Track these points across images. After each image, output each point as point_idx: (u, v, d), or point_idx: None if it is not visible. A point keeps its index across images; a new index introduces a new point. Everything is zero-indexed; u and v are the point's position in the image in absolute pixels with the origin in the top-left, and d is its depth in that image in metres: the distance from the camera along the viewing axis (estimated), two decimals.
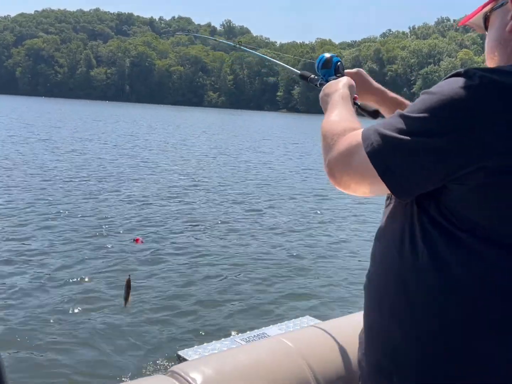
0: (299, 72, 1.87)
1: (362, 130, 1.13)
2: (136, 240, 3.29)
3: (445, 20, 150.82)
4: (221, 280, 6.34)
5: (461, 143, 0.95)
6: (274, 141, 31.10)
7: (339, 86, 1.43)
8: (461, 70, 1.00)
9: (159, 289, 5.87)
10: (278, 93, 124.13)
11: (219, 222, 9.38)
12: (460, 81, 0.98)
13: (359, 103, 1.53)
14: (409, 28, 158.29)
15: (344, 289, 6.22)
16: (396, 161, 1.02)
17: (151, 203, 10.51)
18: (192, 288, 6.00)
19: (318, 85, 1.67)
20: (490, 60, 1.19)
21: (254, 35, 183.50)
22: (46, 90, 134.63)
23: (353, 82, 1.48)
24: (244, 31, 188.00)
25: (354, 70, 1.63)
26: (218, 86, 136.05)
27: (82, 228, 8.14)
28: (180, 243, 7.79)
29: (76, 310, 5.17)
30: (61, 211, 9.20)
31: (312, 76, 1.74)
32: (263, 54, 2.30)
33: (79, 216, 8.94)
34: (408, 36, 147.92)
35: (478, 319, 1.00)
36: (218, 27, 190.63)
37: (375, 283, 1.18)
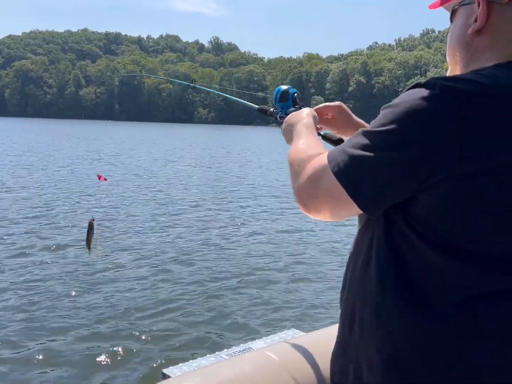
0: (257, 107, 1.88)
1: (327, 152, 1.13)
2: (99, 177, 3.18)
3: (430, 32, 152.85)
4: (205, 296, 6.25)
5: (427, 153, 0.96)
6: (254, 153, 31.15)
7: (303, 116, 1.44)
8: (422, 81, 1.01)
9: (142, 307, 5.78)
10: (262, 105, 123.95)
11: (200, 237, 9.28)
12: (422, 91, 0.98)
13: (322, 133, 1.52)
14: (395, 40, 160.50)
15: (330, 300, 6.17)
16: (363, 178, 1.02)
17: (129, 218, 10.43)
18: (175, 304, 5.91)
19: (278, 118, 1.67)
20: (451, 59, 1.20)
21: (242, 51, 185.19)
22: (35, 111, 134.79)
23: (315, 113, 1.49)
24: (232, 48, 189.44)
25: (337, 103, 1.63)
26: (208, 102, 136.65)
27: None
28: (162, 259, 7.69)
29: (57, 329, 5.08)
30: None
31: (272, 109, 1.75)
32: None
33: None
34: (394, 48, 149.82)
35: (443, 332, 1.00)
36: (206, 44, 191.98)
37: (346, 297, 1.18)
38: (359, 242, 1.17)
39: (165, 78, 2.71)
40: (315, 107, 1.64)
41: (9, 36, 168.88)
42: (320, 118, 1.61)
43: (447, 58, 1.22)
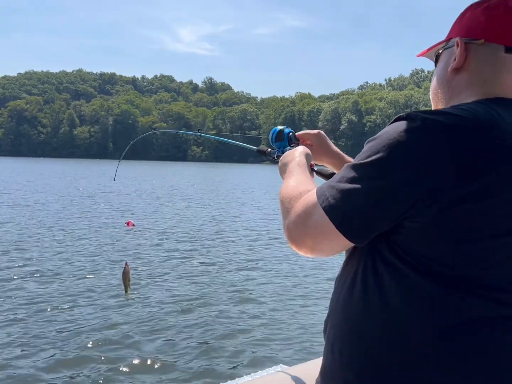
0: (256, 148, 1.92)
1: (315, 188, 1.15)
2: (128, 224, 3.21)
3: (420, 72, 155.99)
4: (192, 331, 6.15)
5: (410, 183, 0.98)
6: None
7: (296, 155, 1.47)
8: (404, 114, 1.05)
9: (122, 345, 5.64)
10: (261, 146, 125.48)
11: (184, 270, 9.26)
12: (404, 124, 1.02)
13: (316, 169, 1.55)
14: (386, 80, 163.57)
15: (319, 332, 6.04)
16: (352, 210, 1.04)
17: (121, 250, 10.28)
18: (158, 342, 5.78)
19: (275, 157, 1.72)
20: (434, 97, 1.26)
21: (236, 91, 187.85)
22: (29, 150, 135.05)
23: (309, 151, 1.52)
24: (226, 87, 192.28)
25: (315, 131, 1.70)
26: (202, 140, 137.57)
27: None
28: (152, 297, 7.57)
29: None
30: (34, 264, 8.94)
31: (269, 150, 1.80)
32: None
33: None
34: (385, 88, 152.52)
35: (424, 356, 1.01)
36: (200, 84, 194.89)
37: (330, 326, 1.18)
38: (345, 270, 1.17)
39: (176, 131, 2.78)
40: (297, 133, 1.72)
41: (4, 77, 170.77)
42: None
43: (430, 97, 1.28)
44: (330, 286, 1.15)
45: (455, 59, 1.18)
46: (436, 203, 0.98)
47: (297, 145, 1.64)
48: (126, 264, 2.46)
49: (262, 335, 6.18)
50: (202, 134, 2.37)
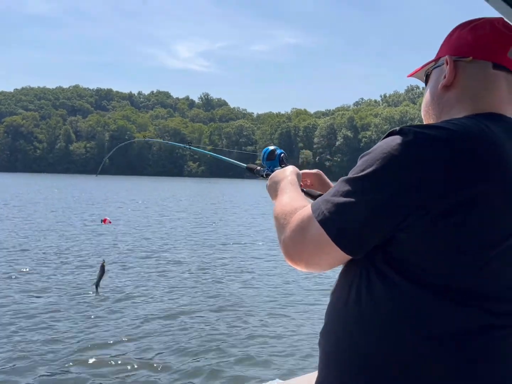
0: (245, 165, 1.94)
1: (311, 203, 1.17)
2: (104, 221, 3.19)
3: (415, 88, 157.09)
4: (187, 350, 6.13)
5: (404, 195, 1.00)
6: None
7: (287, 174, 1.50)
8: (396, 128, 1.08)
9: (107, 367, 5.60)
10: (257, 162, 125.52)
11: (172, 288, 9.23)
12: (397, 138, 1.04)
13: (305, 190, 1.57)
14: (381, 96, 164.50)
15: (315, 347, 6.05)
16: (347, 223, 1.05)
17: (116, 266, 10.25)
18: (157, 360, 5.76)
19: (264, 175, 1.75)
20: (425, 114, 1.30)
21: (232, 107, 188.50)
22: (25, 165, 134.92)
23: (299, 171, 1.55)
24: (222, 103, 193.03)
25: (314, 170, 1.72)
26: (198, 156, 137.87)
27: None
28: (140, 313, 7.56)
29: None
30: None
31: (259, 168, 1.83)
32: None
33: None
34: (380, 104, 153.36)
35: (423, 370, 1.01)
36: (196, 100, 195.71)
37: (325, 339, 1.18)
38: (340, 283, 1.18)
39: (164, 141, 2.76)
40: None
41: (1, 93, 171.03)
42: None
43: (422, 115, 1.32)
44: (326, 299, 1.17)
45: (445, 77, 1.21)
46: (428, 214, 0.99)
47: (287, 166, 1.66)
48: (103, 263, 2.49)
49: (257, 349, 6.18)
50: (192, 148, 2.36)
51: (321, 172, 1.73)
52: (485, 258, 1.02)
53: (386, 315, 1.04)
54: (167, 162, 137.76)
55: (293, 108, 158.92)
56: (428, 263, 1.02)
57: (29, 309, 7.55)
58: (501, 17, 1.25)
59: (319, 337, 1.22)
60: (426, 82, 1.33)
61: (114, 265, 10.93)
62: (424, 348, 1.01)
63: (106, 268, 2.48)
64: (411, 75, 1.40)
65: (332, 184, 1.70)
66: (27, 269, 10.47)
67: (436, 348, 1.01)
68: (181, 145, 2.43)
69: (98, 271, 2.48)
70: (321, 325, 1.19)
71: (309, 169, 1.74)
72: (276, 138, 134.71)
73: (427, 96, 1.29)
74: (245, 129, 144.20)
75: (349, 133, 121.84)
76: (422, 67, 1.33)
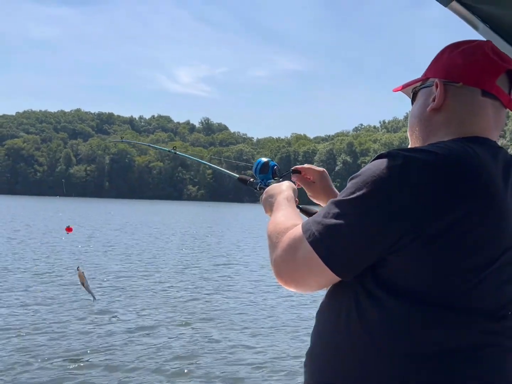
0: (237, 176, 1.90)
1: (301, 223, 1.16)
2: (68, 229, 3.11)
3: None
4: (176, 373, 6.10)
5: (394, 218, 1.01)
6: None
7: (283, 188, 1.47)
8: (385, 152, 1.08)
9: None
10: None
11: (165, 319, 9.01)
12: (385, 161, 1.05)
13: (301, 206, 1.56)
14: (380, 122, 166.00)
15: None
16: (337, 245, 1.05)
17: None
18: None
19: (258, 188, 1.72)
20: (412, 134, 1.30)
21: (232, 131, 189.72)
22: (25, 188, 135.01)
23: (295, 186, 1.54)
24: (222, 128, 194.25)
25: (320, 168, 1.70)
26: (198, 180, 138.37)
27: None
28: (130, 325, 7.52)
29: None
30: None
31: (252, 180, 1.79)
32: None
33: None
34: (379, 130, 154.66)
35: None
36: (197, 125, 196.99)
37: (312, 360, 1.18)
38: (325, 305, 1.18)
39: (146, 144, 2.77)
40: (300, 166, 1.73)
41: (2, 116, 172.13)
42: (301, 177, 1.71)
43: (408, 134, 1.32)
44: (310, 320, 1.14)
45: (433, 100, 1.22)
46: (419, 237, 1.00)
47: (280, 179, 1.66)
48: (78, 269, 2.45)
49: (240, 372, 6.14)
50: (178, 153, 2.35)
51: (326, 172, 1.70)
52: (478, 277, 1.02)
53: (378, 337, 1.04)
54: (166, 186, 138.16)
55: (292, 133, 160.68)
56: (419, 285, 1.02)
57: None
58: (489, 41, 1.26)
59: (305, 358, 1.21)
60: (412, 99, 1.33)
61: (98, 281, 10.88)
62: (417, 369, 1.01)
63: (83, 272, 2.45)
64: (397, 90, 1.40)
65: (333, 187, 1.69)
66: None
67: (430, 368, 1.01)
68: (166, 149, 2.46)
69: (81, 281, 2.42)
70: (306, 345, 1.18)
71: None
72: (275, 161, 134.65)
73: (413, 116, 1.29)
74: (245, 153, 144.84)
75: (348, 158, 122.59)
76: (409, 84, 1.33)
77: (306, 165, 1.73)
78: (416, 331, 1.02)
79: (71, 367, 6.05)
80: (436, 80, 1.23)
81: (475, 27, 1.74)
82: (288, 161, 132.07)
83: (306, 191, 1.74)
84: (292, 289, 1.18)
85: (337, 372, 1.09)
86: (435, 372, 1.01)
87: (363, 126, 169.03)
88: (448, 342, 1.01)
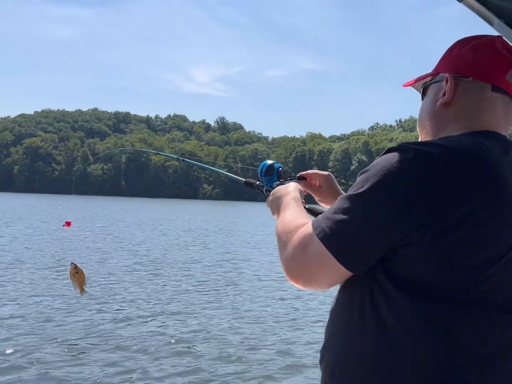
0: (243, 180, 1.92)
1: (311, 221, 1.16)
2: (67, 224, 3.12)
3: None
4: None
5: (404, 212, 1.01)
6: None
7: (290, 190, 1.49)
8: (395, 145, 1.09)
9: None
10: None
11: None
12: (396, 155, 1.05)
13: (307, 207, 1.56)
14: (396, 121, 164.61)
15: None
16: (348, 240, 1.05)
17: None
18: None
19: (264, 191, 1.74)
20: (422, 129, 1.30)
21: (247, 130, 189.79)
22: (42, 187, 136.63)
23: (301, 187, 1.54)
24: (237, 127, 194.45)
25: (325, 172, 1.71)
26: (213, 179, 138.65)
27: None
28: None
29: None
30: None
31: (258, 183, 1.81)
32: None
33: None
34: (395, 129, 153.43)
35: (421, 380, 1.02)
36: (212, 124, 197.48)
37: (327, 356, 1.18)
38: (340, 299, 1.18)
39: (155, 152, 2.81)
40: (304, 172, 1.74)
41: (21, 115, 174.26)
42: (307, 183, 1.71)
43: (417, 129, 1.33)
44: (325, 314, 1.18)
45: (444, 94, 1.22)
46: (430, 231, 1.00)
47: (286, 180, 1.67)
48: (72, 264, 2.41)
49: (253, 369, 6.24)
50: (186, 160, 2.35)
51: (332, 176, 1.71)
52: (488, 271, 1.02)
53: (390, 332, 1.04)
54: (182, 184, 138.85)
55: (308, 132, 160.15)
56: (430, 279, 1.02)
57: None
58: (500, 36, 1.26)
59: (320, 355, 1.22)
60: (423, 94, 1.33)
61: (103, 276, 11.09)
62: (428, 363, 1.01)
63: (75, 266, 2.42)
64: (407, 85, 1.40)
65: (340, 189, 1.70)
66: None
67: (442, 361, 1.01)
68: (174, 156, 2.45)
69: (75, 274, 2.42)
70: (320, 342, 1.20)
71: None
72: (290, 162, 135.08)
73: (424, 110, 1.29)
74: (260, 153, 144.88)
75: (364, 158, 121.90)
76: (419, 79, 1.34)
77: (310, 171, 1.73)
78: (426, 325, 1.02)
79: (73, 357, 6.28)
80: (446, 75, 1.23)
81: (490, 22, 1.73)
82: (303, 160, 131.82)
83: (314, 196, 1.74)
84: (304, 288, 1.18)
85: (351, 366, 1.10)
86: (447, 365, 1.01)
87: (379, 125, 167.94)
88: (458, 336, 1.02)
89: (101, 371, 5.91)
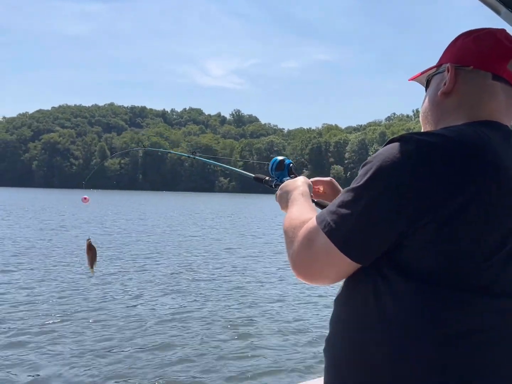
0: (253, 175, 1.94)
1: (316, 215, 1.17)
2: (84, 200, 3.12)
3: None
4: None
5: (408, 202, 1.01)
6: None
7: (298, 184, 1.49)
8: (397, 136, 1.09)
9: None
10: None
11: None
12: (398, 146, 1.06)
13: (316, 200, 1.57)
14: (413, 111, 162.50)
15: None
16: (352, 232, 1.06)
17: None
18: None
19: (273, 186, 1.75)
20: (424, 119, 1.31)
21: (263, 123, 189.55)
22: (60, 182, 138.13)
23: (309, 182, 1.55)
24: (253, 120, 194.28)
25: (327, 178, 1.71)
26: (229, 172, 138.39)
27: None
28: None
29: None
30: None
31: (267, 178, 1.82)
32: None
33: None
34: (412, 119, 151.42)
35: (432, 372, 1.02)
36: (228, 117, 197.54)
37: (332, 345, 1.18)
38: (344, 291, 1.18)
39: (167, 151, 2.80)
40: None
41: (38, 111, 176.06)
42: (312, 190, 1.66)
43: (420, 120, 1.34)
44: (330, 305, 1.08)
45: (445, 84, 1.24)
46: (433, 220, 1.00)
47: (296, 176, 1.67)
48: (88, 240, 2.45)
49: (260, 358, 6.31)
50: (197, 157, 2.37)
51: (334, 180, 1.72)
52: (492, 259, 1.03)
53: (395, 322, 1.04)
54: (198, 178, 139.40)
55: (324, 124, 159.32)
56: (435, 268, 1.03)
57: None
58: (503, 29, 1.27)
59: (325, 344, 1.22)
60: (426, 87, 1.34)
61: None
62: (436, 352, 1.01)
63: (93, 244, 2.44)
64: (412, 79, 1.42)
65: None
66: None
67: (447, 351, 1.01)
68: (185, 154, 2.48)
69: (88, 251, 2.44)
70: (323, 332, 1.30)
71: (340, 184, 1.70)
72: (306, 154, 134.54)
73: (426, 101, 1.31)
74: (275, 145, 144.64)
75: (380, 148, 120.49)
76: (424, 72, 1.35)
77: (312, 179, 1.71)
78: (433, 314, 1.02)
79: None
80: (448, 64, 1.24)
81: (497, 11, 1.72)
82: (319, 152, 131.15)
83: None
84: (311, 283, 1.20)
85: (356, 358, 1.10)
86: (457, 353, 1.01)
87: (396, 115, 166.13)
88: (467, 323, 1.02)
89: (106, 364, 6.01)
